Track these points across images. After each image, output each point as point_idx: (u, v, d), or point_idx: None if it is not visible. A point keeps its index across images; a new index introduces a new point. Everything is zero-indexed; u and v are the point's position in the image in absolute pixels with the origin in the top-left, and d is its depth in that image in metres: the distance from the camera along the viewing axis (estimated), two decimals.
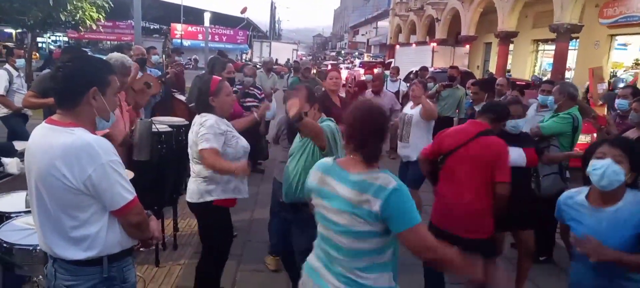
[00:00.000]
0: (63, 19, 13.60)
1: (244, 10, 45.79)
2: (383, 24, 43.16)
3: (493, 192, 2.92)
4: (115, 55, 4.09)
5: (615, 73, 14.57)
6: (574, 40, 15.31)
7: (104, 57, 3.21)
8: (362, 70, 20.11)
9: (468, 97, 6.97)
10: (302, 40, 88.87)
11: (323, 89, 4.91)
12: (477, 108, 4.76)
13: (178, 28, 39.92)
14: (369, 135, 1.84)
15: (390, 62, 19.75)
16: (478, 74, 20.30)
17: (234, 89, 5.67)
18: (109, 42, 38.74)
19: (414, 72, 11.06)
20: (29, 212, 2.59)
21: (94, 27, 15.36)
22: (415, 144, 4.62)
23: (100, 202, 1.70)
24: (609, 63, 14.85)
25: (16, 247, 2.29)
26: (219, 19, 43.07)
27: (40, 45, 31.86)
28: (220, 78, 3.13)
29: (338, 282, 1.84)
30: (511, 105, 3.42)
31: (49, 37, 36.09)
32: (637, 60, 14.54)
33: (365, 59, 35.82)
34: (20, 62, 6.23)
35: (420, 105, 4.73)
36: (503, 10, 17.60)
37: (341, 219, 1.81)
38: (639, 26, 13.15)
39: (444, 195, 3.07)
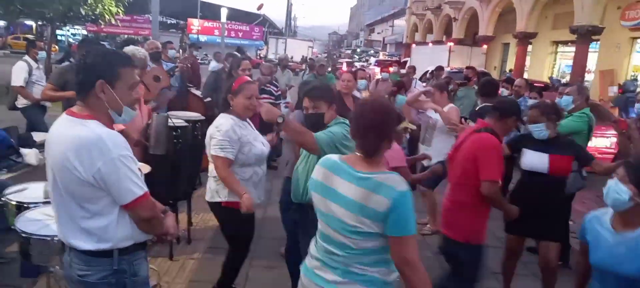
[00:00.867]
0: (83, 12, 13.78)
1: (260, 7, 45.91)
2: (399, 22, 42.92)
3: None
4: (129, 48, 4.13)
5: (637, 76, 14.26)
6: (595, 42, 15.01)
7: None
8: (377, 69, 20.00)
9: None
10: (318, 37, 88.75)
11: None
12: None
13: (195, 23, 40.22)
14: (368, 129, 1.81)
15: (406, 61, 19.62)
16: (495, 75, 20.03)
17: None
18: (126, 36, 39.23)
19: (430, 71, 10.96)
20: (47, 202, 2.63)
21: (113, 21, 15.56)
22: (438, 149, 4.59)
23: (110, 195, 1.71)
24: (631, 66, 14.55)
25: (34, 237, 2.32)
26: (235, 15, 43.25)
27: (59, 38, 32.37)
28: (248, 79, 3.13)
29: (336, 276, 1.83)
30: (531, 109, 3.36)
31: (69, 30, 36.66)
32: None
33: (381, 57, 35.64)
34: (42, 54, 6.33)
35: (448, 107, 4.69)
36: (522, 10, 17.34)
37: (348, 218, 1.78)
38: None
39: (446, 200, 3.06)
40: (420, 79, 10.40)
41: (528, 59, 19.47)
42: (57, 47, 25.00)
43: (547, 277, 3.41)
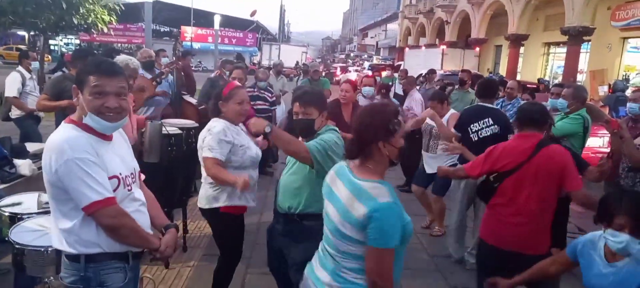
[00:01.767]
0: (75, 22, 13.75)
1: (253, 13, 45.99)
2: (392, 26, 43.12)
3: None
4: (121, 57, 4.14)
5: (628, 76, 14.40)
6: (586, 43, 15.15)
7: None
8: (371, 73, 20.07)
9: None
10: (311, 42, 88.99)
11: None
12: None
13: (188, 31, 40.15)
14: (354, 131, 1.87)
15: (400, 65, 19.69)
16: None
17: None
18: (120, 45, 39.12)
19: (423, 75, 11.01)
20: (40, 213, 2.62)
21: (106, 30, 15.52)
22: (444, 155, 4.67)
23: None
24: (622, 66, 14.68)
25: (28, 248, 2.31)
26: (229, 22, 43.28)
27: (52, 47, 32.25)
28: (238, 84, 3.13)
29: (328, 277, 1.85)
30: None
31: (61, 40, 36.53)
32: None
33: (375, 61, 35.76)
34: (35, 64, 6.31)
35: (449, 114, 4.77)
36: (514, 13, 17.50)
37: (337, 220, 1.81)
38: None
39: (505, 214, 2.84)
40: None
41: (520, 60, 19.62)
42: (50, 57, 24.89)
43: (548, 284, 3.44)
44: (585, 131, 4.12)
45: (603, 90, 10.01)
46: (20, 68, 5.93)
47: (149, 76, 5.23)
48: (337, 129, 2.74)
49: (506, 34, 18.11)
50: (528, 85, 8.85)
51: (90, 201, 1.71)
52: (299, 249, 2.55)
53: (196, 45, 39.82)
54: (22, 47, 15.98)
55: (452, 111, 4.89)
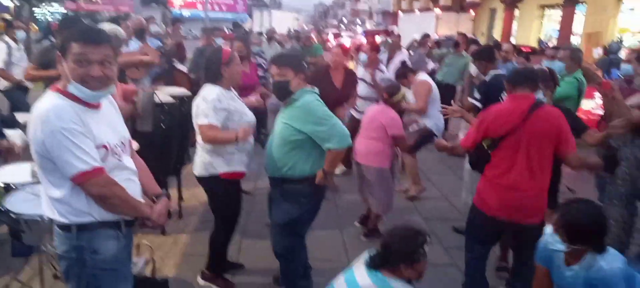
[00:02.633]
0: None
1: None
2: None
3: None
4: (108, 26, 4.06)
5: (622, 38, 14.33)
6: (581, 4, 14.99)
7: None
8: (364, 39, 19.84)
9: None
10: (303, 8, 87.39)
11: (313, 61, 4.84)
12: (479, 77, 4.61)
13: None
14: (386, 247, 2.03)
15: (393, 30, 19.45)
16: (483, 41, 19.99)
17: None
18: (106, 13, 38.22)
19: (417, 40, 10.88)
20: (34, 183, 2.62)
21: None
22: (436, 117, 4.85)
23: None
24: (616, 28, 14.60)
25: (23, 216, 2.32)
26: None
27: (38, 17, 31.47)
28: (231, 49, 3.12)
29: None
30: None
31: (47, 9, 35.58)
32: None
33: (368, 27, 35.30)
34: (21, 34, 6.17)
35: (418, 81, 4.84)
36: None
37: None
38: None
39: (502, 182, 2.72)
40: (407, 48, 10.26)
41: (515, 24, 19.44)
42: (36, 26, 24.32)
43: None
44: (580, 94, 4.10)
45: (597, 52, 9.98)
46: (5, 38, 5.79)
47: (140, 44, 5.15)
48: (316, 89, 2.82)
49: None
50: (523, 49, 8.77)
51: (78, 171, 1.69)
52: (279, 211, 2.85)
53: (186, 13, 39.04)
54: (7, 16, 15.57)
55: (420, 78, 4.97)
